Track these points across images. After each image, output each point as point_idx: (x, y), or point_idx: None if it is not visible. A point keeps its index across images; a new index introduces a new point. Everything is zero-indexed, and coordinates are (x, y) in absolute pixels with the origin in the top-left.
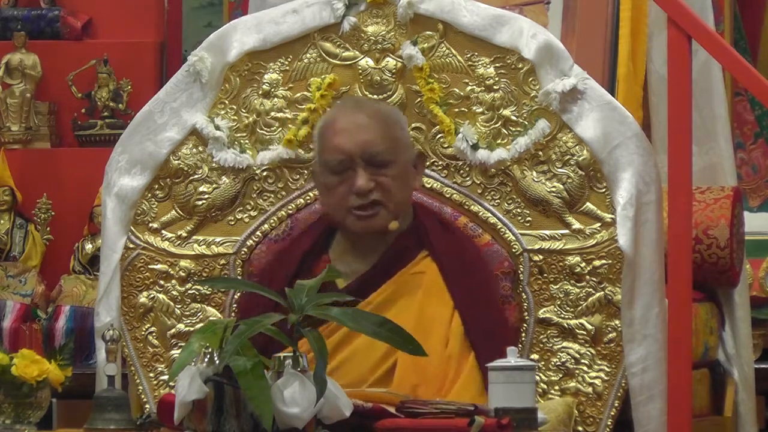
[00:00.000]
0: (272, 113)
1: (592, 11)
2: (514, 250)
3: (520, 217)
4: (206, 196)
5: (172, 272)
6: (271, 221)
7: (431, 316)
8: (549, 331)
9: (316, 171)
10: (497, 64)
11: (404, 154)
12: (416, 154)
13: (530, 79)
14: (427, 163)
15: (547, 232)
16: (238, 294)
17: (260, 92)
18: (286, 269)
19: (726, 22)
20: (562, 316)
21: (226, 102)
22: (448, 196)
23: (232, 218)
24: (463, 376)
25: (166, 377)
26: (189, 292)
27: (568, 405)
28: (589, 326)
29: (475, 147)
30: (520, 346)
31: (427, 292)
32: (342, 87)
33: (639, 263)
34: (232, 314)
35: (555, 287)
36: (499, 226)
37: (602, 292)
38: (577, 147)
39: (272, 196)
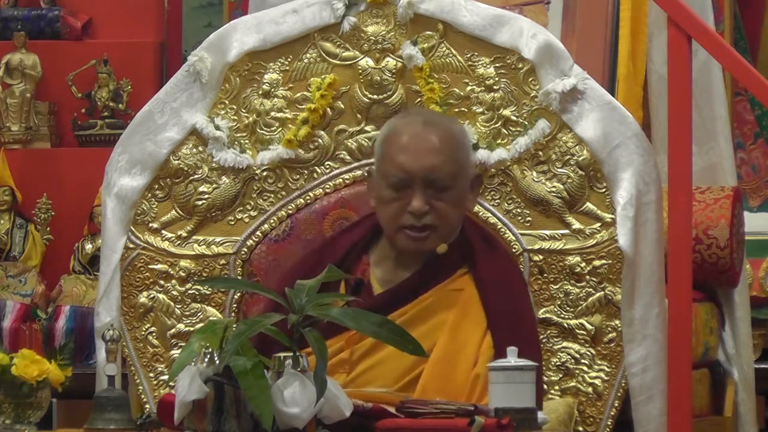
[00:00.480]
0: (272, 113)
1: (592, 11)
2: (514, 250)
3: (520, 217)
4: (206, 196)
5: (172, 272)
6: (271, 221)
7: (463, 335)
8: (549, 331)
9: (373, 175)
10: (497, 64)
11: (464, 179)
12: (473, 177)
13: (530, 79)
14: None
15: (547, 232)
16: (238, 294)
17: (260, 92)
18: (328, 263)
19: (726, 22)
20: (562, 316)
21: (226, 102)
22: None
23: (232, 218)
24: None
25: (166, 377)
26: (189, 292)
27: (569, 405)
28: (589, 326)
29: (475, 147)
30: None
31: (462, 310)
32: (342, 87)
33: (639, 263)
34: (232, 314)
35: (555, 287)
36: (499, 226)
37: (602, 292)
38: (577, 147)
39: (272, 196)
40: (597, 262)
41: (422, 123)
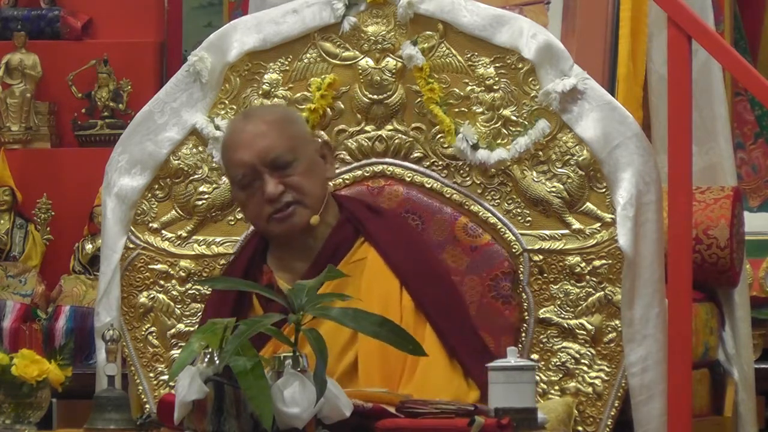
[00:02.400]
0: None
1: (592, 11)
2: (514, 250)
3: (520, 217)
4: (206, 196)
5: (172, 272)
6: None
7: (380, 297)
8: (549, 331)
9: (232, 191)
10: (497, 64)
11: (306, 148)
12: (321, 144)
13: (530, 79)
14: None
15: (547, 232)
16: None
17: (260, 92)
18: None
19: (726, 22)
20: (562, 316)
21: (226, 102)
22: (448, 196)
23: (232, 218)
24: (425, 348)
25: (166, 377)
26: (189, 292)
27: (568, 405)
28: (589, 326)
29: (475, 147)
30: (520, 346)
31: (370, 275)
32: (342, 87)
33: (639, 263)
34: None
35: (555, 287)
36: (499, 226)
37: (602, 292)
38: (577, 147)
39: None
40: (597, 262)
41: (242, 118)
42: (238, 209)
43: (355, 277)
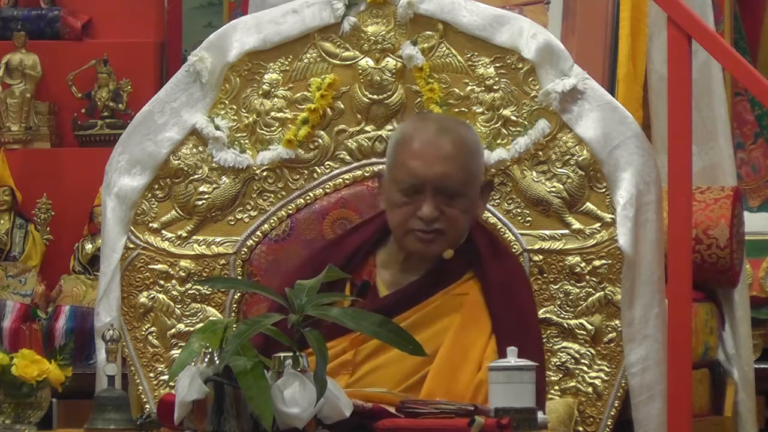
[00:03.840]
0: (272, 113)
1: (592, 11)
2: (514, 250)
3: (520, 217)
4: (206, 196)
5: (172, 272)
6: (271, 221)
7: (467, 340)
8: (549, 331)
9: (384, 178)
10: (497, 64)
11: (475, 186)
12: (484, 183)
13: (530, 79)
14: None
15: (547, 232)
16: (238, 294)
17: (260, 92)
18: (333, 263)
19: (726, 22)
20: (562, 316)
21: (226, 102)
22: None
23: (232, 218)
24: None
25: (166, 377)
26: (189, 292)
27: (569, 405)
28: (589, 326)
29: None
30: None
31: (466, 315)
32: (342, 87)
33: (639, 263)
34: (232, 314)
35: (555, 287)
36: (499, 226)
37: (602, 292)
38: (577, 147)
39: (272, 196)
40: (597, 262)
41: (435, 129)
42: (239, 209)
43: (451, 310)
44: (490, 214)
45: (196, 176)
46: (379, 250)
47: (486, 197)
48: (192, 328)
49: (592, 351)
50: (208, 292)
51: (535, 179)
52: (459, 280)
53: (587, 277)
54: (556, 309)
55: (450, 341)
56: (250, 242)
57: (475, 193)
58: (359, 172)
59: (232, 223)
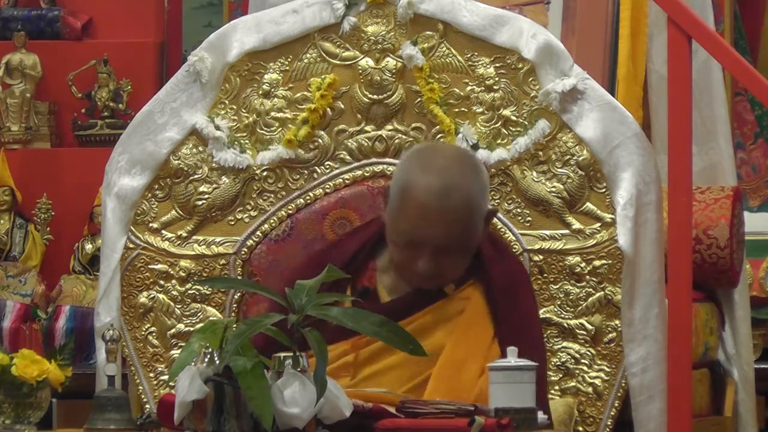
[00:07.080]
0: (272, 113)
1: (592, 11)
2: (514, 250)
3: (520, 217)
4: (206, 196)
5: (172, 272)
6: (271, 221)
7: (470, 343)
8: (549, 331)
9: (390, 198)
10: (497, 64)
11: (475, 238)
12: (487, 212)
13: (530, 79)
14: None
15: (547, 232)
16: (238, 294)
17: (260, 92)
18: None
19: (726, 22)
20: (562, 316)
21: (226, 102)
22: None
23: (232, 218)
24: None
25: (166, 377)
26: (189, 292)
27: (569, 405)
28: (589, 326)
29: (475, 147)
30: None
31: (469, 319)
32: (342, 87)
33: (639, 263)
34: (232, 314)
35: (555, 287)
36: (499, 226)
37: (602, 292)
38: (577, 147)
39: (272, 196)
40: (597, 262)
41: (440, 189)
42: (239, 209)
43: (455, 314)
44: None
45: (196, 176)
46: (379, 255)
47: (488, 225)
48: (192, 328)
49: (592, 351)
50: (208, 292)
51: (535, 179)
52: (462, 285)
53: (587, 277)
54: (556, 309)
55: (452, 345)
56: (250, 242)
57: (476, 235)
58: (359, 172)
59: (232, 223)
